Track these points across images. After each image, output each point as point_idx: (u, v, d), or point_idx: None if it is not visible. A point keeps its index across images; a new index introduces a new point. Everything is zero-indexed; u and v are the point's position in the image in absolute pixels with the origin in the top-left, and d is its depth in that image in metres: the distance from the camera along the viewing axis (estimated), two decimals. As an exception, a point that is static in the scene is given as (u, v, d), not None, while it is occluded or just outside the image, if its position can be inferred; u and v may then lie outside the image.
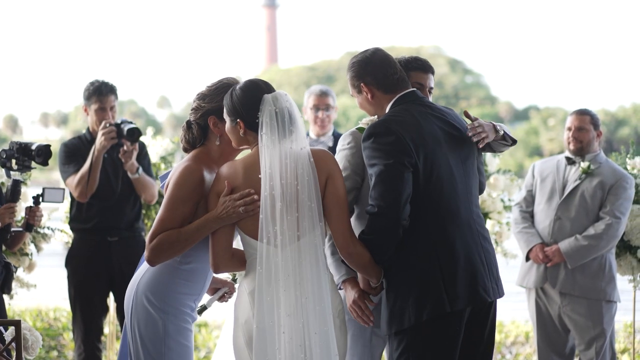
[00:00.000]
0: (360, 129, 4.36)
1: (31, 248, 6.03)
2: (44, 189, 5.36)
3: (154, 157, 6.98)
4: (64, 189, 5.51)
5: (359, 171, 4.39)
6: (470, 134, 4.19)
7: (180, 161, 4.31)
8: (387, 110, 4.23)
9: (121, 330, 6.45)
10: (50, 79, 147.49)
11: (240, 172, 3.99)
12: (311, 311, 3.89)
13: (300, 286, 3.91)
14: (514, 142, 4.40)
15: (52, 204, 5.59)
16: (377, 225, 4.02)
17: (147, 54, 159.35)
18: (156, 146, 7.04)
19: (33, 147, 5.20)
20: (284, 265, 3.91)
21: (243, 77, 4.26)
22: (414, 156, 4.03)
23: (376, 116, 4.30)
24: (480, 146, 4.23)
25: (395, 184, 3.98)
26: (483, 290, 4.09)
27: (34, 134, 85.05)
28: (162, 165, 7.03)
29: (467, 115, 4.30)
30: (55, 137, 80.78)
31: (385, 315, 4.11)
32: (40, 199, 5.37)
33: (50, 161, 6.05)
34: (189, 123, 4.31)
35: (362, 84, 4.24)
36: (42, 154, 5.22)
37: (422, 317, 3.99)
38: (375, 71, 4.23)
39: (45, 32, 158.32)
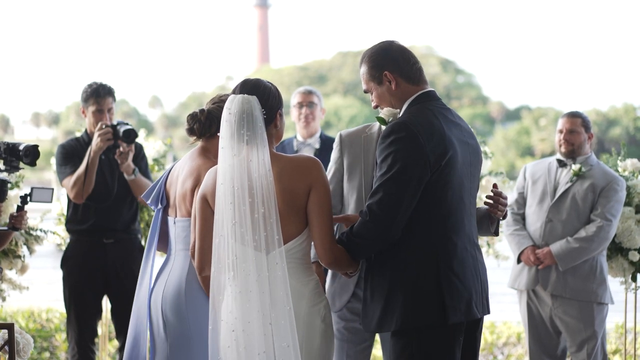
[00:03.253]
0: (380, 119, 4.19)
1: (24, 250, 6.02)
2: (32, 188, 5.32)
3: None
4: (52, 189, 5.46)
5: (342, 169, 4.56)
6: (492, 202, 4.17)
7: (196, 161, 4.45)
8: (406, 106, 4.08)
9: (116, 332, 6.45)
10: (41, 78, 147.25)
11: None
12: (272, 324, 3.82)
13: (246, 297, 3.85)
14: (496, 234, 4.38)
15: (41, 203, 5.55)
16: (366, 232, 3.91)
17: (139, 54, 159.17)
18: (149, 148, 7.03)
19: (21, 148, 5.16)
20: (232, 274, 3.87)
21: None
22: (429, 165, 3.88)
23: (398, 110, 4.12)
24: (493, 214, 4.19)
25: (398, 192, 3.86)
26: (476, 306, 4.00)
27: (25, 134, 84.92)
28: (156, 167, 7.02)
29: (495, 187, 4.23)
30: (47, 137, 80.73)
31: (375, 313, 4.00)
32: (29, 198, 5.35)
33: (42, 162, 6.03)
34: (211, 116, 4.51)
35: (386, 73, 4.06)
36: (30, 154, 5.19)
37: (417, 323, 3.91)
38: (397, 59, 4.08)
39: (37, 31, 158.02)
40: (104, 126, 6.09)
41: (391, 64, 4.07)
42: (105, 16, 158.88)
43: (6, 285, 6.00)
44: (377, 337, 5.24)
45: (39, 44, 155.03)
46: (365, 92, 4.20)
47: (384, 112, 4.14)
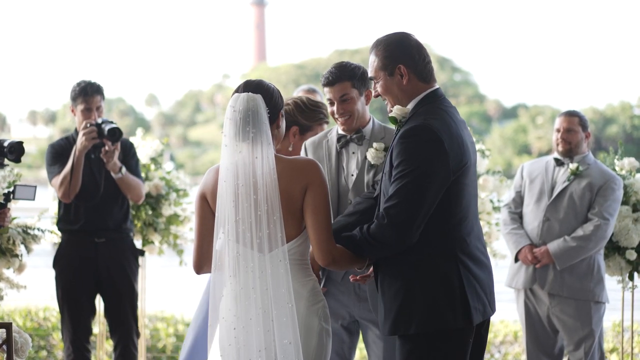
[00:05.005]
0: (392, 119, 4.10)
1: (21, 249, 6.01)
2: (15, 186, 5.29)
3: (143, 158, 6.95)
4: (35, 186, 5.41)
5: None
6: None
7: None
8: (414, 103, 4.00)
9: (110, 331, 6.44)
10: (38, 77, 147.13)
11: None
12: (274, 321, 3.85)
13: (246, 294, 3.88)
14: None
15: (24, 201, 5.52)
16: (383, 236, 3.84)
17: (136, 52, 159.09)
18: (146, 147, 7.01)
19: (5, 144, 5.12)
20: (233, 272, 3.89)
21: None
22: (450, 174, 3.82)
23: (408, 107, 4.03)
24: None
25: (417, 198, 3.78)
26: (489, 305, 3.98)
27: (22, 132, 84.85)
28: (152, 167, 7.00)
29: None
30: (44, 135, 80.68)
31: (387, 316, 3.96)
32: (12, 196, 5.33)
33: (39, 160, 6.02)
34: None
35: (400, 66, 3.97)
36: (15, 151, 5.16)
37: (441, 326, 3.85)
38: (414, 55, 3.99)
39: (33, 30, 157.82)
40: (88, 125, 6.07)
41: (407, 59, 4.00)
42: (102, 14, 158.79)
43: (4, 284, 5.99)
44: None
45: (36, 42, 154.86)
46: (371, 79, 4.13)
47: (395, 111, 4.06)
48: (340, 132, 4.77)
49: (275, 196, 3.86)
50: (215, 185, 3.96)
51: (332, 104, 4.70)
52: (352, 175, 4.70)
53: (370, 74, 4.11)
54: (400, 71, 4.00)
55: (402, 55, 4.00)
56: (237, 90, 4.02)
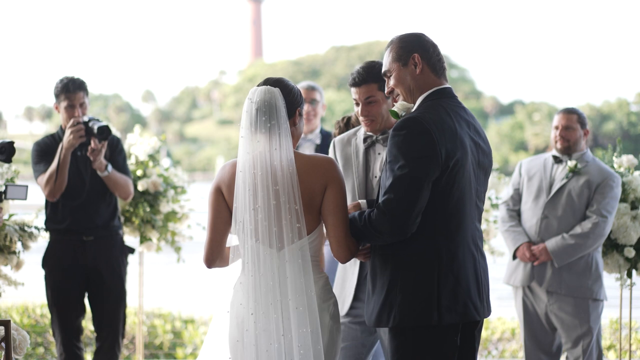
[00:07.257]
0: (393, 113, 4.14)
1: (18, 246, 5.99)
2: (6, 185, 5.26)
3: (142, 155, 6.93)
4: (26, 186, 5.38)
5: None
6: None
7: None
8: (421, 99, 4.06)
9: (96, 332, 6.40)
10: (35, 73, 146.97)
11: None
12: (292, 313, 3.87)
13: (272, 289, 3.89)
14: None
15: (15, 200, 5.50)
16: (382, 227, 3.88)
17: (132, 48, 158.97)
18: (144, 144, 6.99)
19: None
20: (251, 260, 3.90)
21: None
22: (440, 165, 3.87)
23: (412, 105, 4.09)
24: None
25: (412, 190, 3.84)
26: (474, 308, 3.99)
27: (18, 128, 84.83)
28: (150, 163, 6.98)
29: None
30: (40, 132, 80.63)
31: (374, 308, 4.03)
32: (3, 196, 5.30)
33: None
34: (348, 121, 5.27)
35: (415, 55, 4.05)
36: (6, 151, 5.13)
37: (413, 322, 3.92)
38: (428, 48, 4.09)
39: (30, 26, 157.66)
40: (76, 123, 6.01)
41: (422, 49, 4.07)
42: (99, 10, 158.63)
43: (1, 281, 5.98)
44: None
45: (32, 39, 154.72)
46: (384, 74, 4.16)
47: (398, 105, 4.11)
48: (367, 132, 4.75)
49: (294, 188, 3.89)
50: (232, 178, 3.98)
51: (357, 104, 4.66)
52: (376, 177, 4.68)
53: (384, 69, 4.15)
54: (415, 60, 4.06)
55: (417, 46, 4.08)
56: (257, 85, 4.06)
